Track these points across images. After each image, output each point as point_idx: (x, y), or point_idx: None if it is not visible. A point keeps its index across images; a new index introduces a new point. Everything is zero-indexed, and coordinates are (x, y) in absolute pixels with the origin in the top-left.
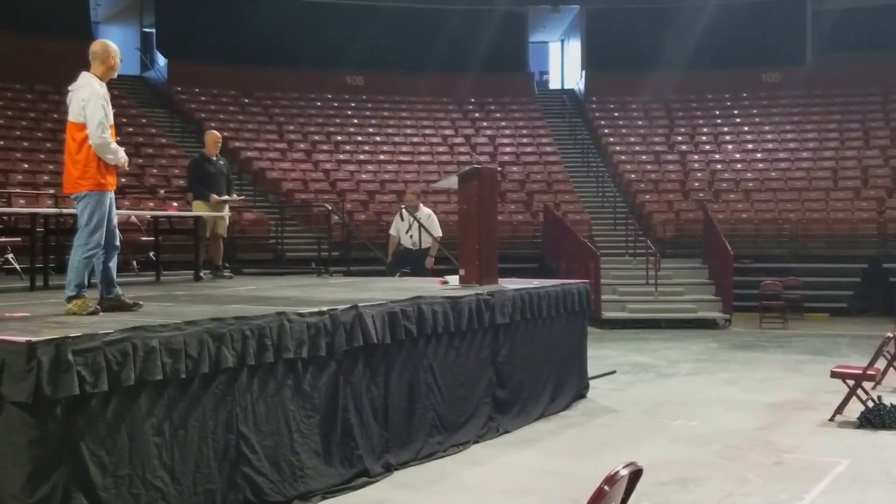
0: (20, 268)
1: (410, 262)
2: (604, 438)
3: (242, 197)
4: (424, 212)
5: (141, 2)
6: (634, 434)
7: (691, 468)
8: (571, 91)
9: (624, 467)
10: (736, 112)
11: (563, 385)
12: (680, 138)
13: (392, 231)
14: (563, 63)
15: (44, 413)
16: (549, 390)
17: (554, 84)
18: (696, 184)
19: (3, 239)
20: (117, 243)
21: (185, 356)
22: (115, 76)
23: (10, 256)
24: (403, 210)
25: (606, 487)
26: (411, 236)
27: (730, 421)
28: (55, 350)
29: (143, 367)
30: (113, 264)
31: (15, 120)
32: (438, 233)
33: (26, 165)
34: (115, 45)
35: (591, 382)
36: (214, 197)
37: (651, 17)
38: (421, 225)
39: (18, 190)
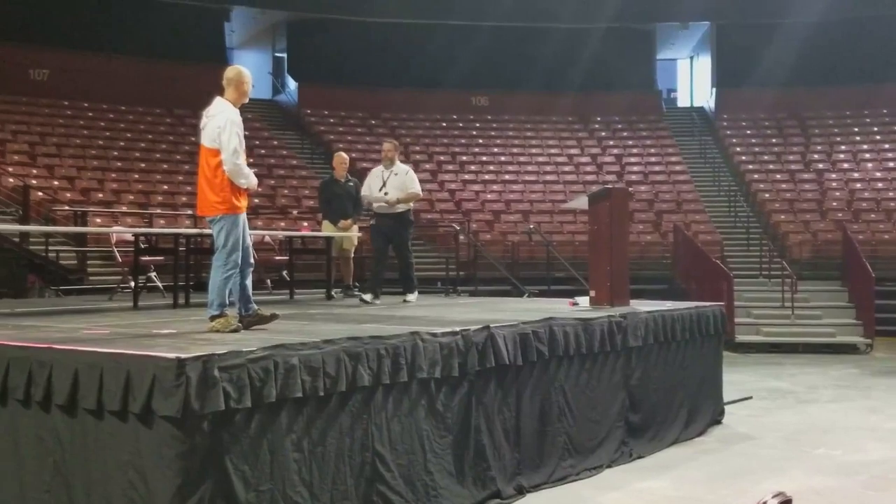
0: (162, 286)
1: (385, 232)
2: (741, 466)
3: (352, 222)
4: (402, 167)
5: (273, 28)
6: (774, 462)
7: (837, 499)
8: (701, 108)
9: (773, 497)
10: (876, 129)
11: (698, 410)
12: (816, 156)
13: (364, 190)
14: (693, 80)
15: (191, 427)
16: (683, 415)
17: (683, 102)
18: (835, 203)
19: (147, 258)
20: (252, 262)
21: (324, 374)
22: (247, 101)
23: (153, 275)
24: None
25: None
26: (386, 194)
27: (876, 450)
28: (202, 366)
29: (283, 384)
30: (249, 282)
31: (155, 143)
32: (418, 190)
33: (166, 187)
34: (247, 70)
35: (727, 408)
36: (343, 222)
37: (783, 32)
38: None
39: (159, 211)
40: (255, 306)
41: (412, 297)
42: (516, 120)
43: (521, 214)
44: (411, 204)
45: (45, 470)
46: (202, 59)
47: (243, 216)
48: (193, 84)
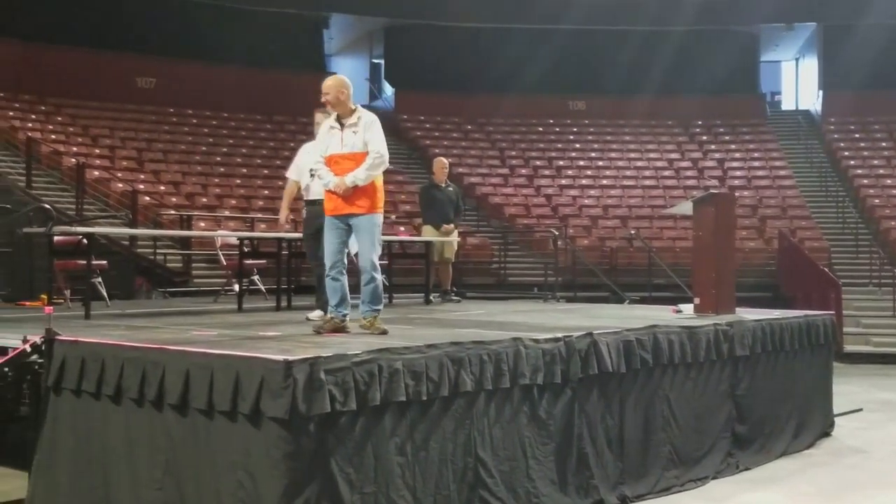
0: (265, 289)
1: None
2: (853, 480)
3: (455, 227)
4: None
5: (370, 34)
6: (887, 477)
7: None
8: (807, 112)
9: None
10: None
11: (807, 422)
12: None
13: (290, 173)
14: (798, 83)
15: (298, 429)
16: (791, 427)
17: (787, 105)
18: None
19: (251, 261)
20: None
21: (427, 378)
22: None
23: (256, 278)
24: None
25: None
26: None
27: None
28: (309, 369)
29: (387, 387)
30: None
31: (256, 149)
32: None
33: (266, 192)
34: (347, 79)
35: (837, 420)
36: (445, 227)
37: (892, 32)
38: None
39: (260, 215)
40: (345, 311)
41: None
42: (614, 124)
43: (620, 220)
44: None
45: (157, 468)
46: (301, 67)
47: (328, 219)
48: (292, 91)
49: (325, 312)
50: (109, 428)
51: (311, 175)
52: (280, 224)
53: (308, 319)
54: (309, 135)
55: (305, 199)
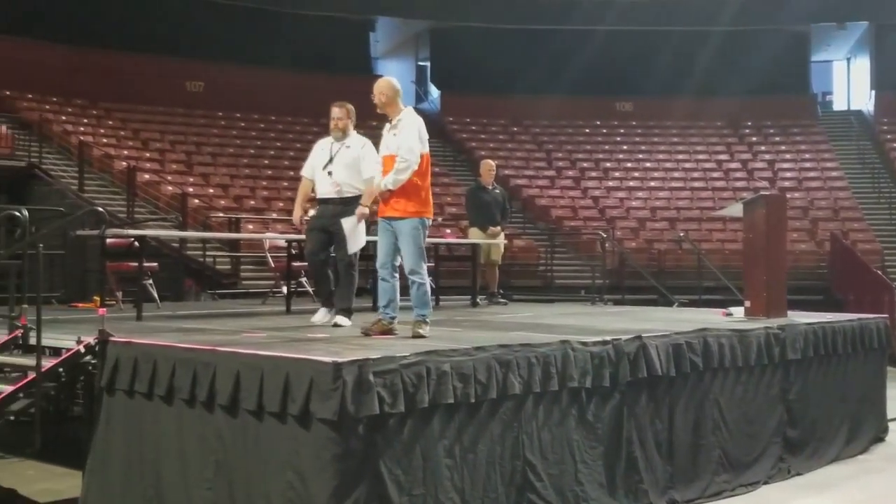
0: (312, 290)
1: (325, 225)
2: None
3: (501, 229)
4: (357, 140)
5: (416, 37)
6: None
7: None
8: (859, 112)
9: None
10: None
11: (860, 427)
12: None
13: (305, 171)
14: (849, 82)
15: (347, 430)
16: (844, 432)
17: (839, 105)
18: None
19: (298, 263)
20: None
21: (475, 381)
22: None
23: (303, 280)
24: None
25: None
26: (330, 173)
27: None
28: (358, 371)
29: (435, 389)
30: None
31: (303, 152)
32: (373, 173)
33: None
34: (397, 81)
35: (891, 425)
36: (492, 229)
37: None
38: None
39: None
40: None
41: (343, 320)
42: (662, 125)
43: (668, 222)
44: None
45: (207, 468)
46: (348, 70)
47: (379, 221)
48: (339, 94)
49: (328, 310)
50: (161, 428)
51: (328, 173)
52: (295, 223)
53: (335, 325)
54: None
55: (317, 197)
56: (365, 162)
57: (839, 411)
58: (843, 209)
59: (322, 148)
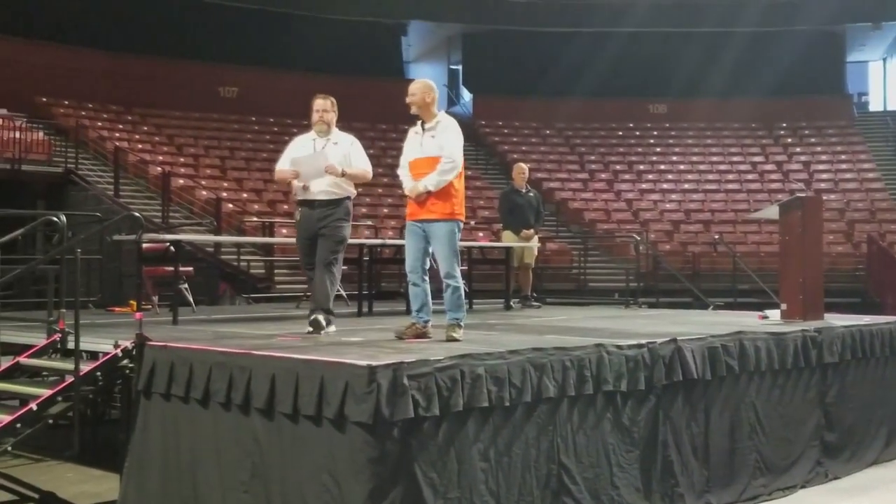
0: (346, 294)
1: (310, 226)
2: None
3: (535, 232)
4: (344, 137)
5: (448, 41)
6: None
7: None
8: (895, 113)
9: None
10: None
11: None
12: None
13: (282, 165)
14: (886, 83)
15: (382, 433)
16: (882, 435)
17: (875, 106)
18: None
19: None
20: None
21: (509, 384)
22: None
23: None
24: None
25: None
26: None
27: None
28: (392, 374)
29: (470, 393)
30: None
31: None
32: (367, 168)
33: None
34: (434, 84)
35: None
36: (526, 232)
37: None
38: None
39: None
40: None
41: (320, 320)
42: (696, 127)
43: (702, 224)
44: (351, 189)
45: (243, 470)
46: (380, 74)
47: (407, 224)
48: (372, 97)
49: (323, 314)
50: (198, 431)
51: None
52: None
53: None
54: (388, 140)
55: (297, 199)
56: (354, 158)
57: (877, 414)
58: (880, 210)
59: (303, 144)
